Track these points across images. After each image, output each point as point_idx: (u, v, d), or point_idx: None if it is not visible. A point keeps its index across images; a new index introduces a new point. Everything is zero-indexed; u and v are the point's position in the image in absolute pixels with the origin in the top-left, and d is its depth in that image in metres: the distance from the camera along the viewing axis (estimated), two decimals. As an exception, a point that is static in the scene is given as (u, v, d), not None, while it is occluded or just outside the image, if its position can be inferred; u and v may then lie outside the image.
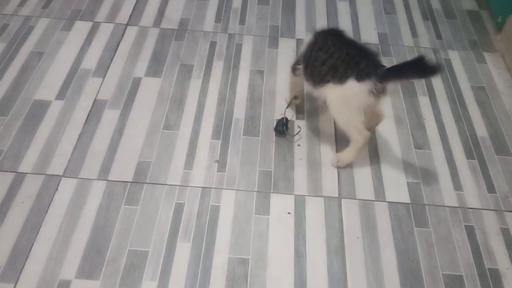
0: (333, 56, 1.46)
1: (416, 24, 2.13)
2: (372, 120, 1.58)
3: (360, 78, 1.42)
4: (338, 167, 1.58)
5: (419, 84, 1.86)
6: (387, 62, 1.93)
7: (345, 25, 2.10)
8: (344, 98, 1.46)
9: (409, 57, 1.97)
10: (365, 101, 1.45)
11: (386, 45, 2.02)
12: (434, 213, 1.48)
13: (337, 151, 1.62)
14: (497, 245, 1.42)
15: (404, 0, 2.25)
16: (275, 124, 1.67)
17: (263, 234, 1.41)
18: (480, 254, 1.40)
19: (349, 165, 1.59)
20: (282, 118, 1.67)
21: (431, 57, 1.97)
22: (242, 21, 2.10)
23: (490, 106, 1.80)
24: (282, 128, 1.64)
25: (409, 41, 2.05)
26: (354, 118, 1.49)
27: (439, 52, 2.00)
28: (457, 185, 1.56)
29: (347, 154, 1.57)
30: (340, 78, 1.44)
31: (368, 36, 2.06)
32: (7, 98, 1.73)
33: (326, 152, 1.62)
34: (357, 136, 1.52)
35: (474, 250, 1.41)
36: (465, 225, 1.46)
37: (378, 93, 1.43)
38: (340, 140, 1.64)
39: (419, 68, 1.39)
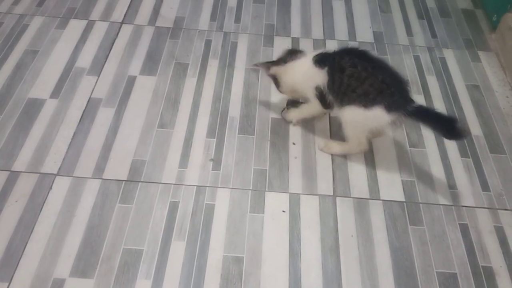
0: (365, 82, 1.41)
1: (411, 23, 2.14)
2: (375, 134, 1.59)
3: (389, 109, 1.40)
4: (320, 150, 1.61)
5: (414, 82, 1.86)
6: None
7: (340, 23, 2.10)
8: (365, 121, 1.46)
9: (404, 56, 1.97)
10: (384, 127, 1.48)
11: (381, 43, 2.03)
12: (428, 211, 1.49)
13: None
14: (491, 243, 1.42)
15: (399, -1, 2.26)
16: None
17: (257, 232, 1.41)
18: (474, 252, 1.40)
19: (344, 163, 1.59)
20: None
21: (425, 56, 1.98)
22: (237, 19, 2.09)
23: (485, 105, 1.80)
24: None
25: (404, 40, 2.05)
26: (362, 134, 1.52)
27: (434, 51, 2.01)
28: (452, 184, 1.56)
29: (337, 148, 1.59)
30: (368, 103, 1.42)
31: (364, 35, 2.06)
32: (0, 97, 1.72)
33: (320, 150, 1.62)
34: (355, 146, 1.56)
35: (468, 248, 1.41)
36: (459, 223, 1.47)
37: (400, 124, 1.45)
38: (335, 139, 1.64)
39: (448, 127, 1.40)
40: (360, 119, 1.46)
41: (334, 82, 1.45)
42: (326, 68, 1.47)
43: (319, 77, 1.49)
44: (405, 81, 1.47)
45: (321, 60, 1.50)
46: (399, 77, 1.46)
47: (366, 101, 1.42)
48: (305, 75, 1.53)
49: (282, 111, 1.71)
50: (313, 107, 1.58)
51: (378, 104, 1.41)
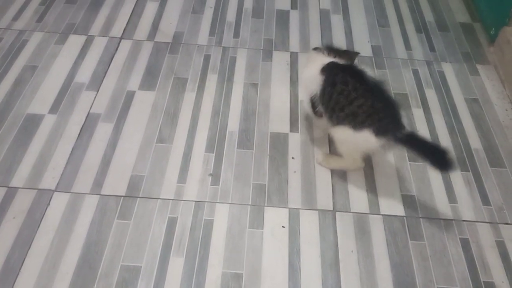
0: (354, 103, 1.40)
1: (409, 37, 2.14)
2: (367, 153, 1.58)
3: (378, 133, 1.40)
4: (319, 164, 1.61)
5: (412, 96, 1.86)
6: (381, 74, 1.94)
7: (338, 38, 2.11)
8: (354, 142, 1.46)
9: (403, 70, 1.97)
10: (373, 150, 1.48)
11: (380, 57, 2.03)
12: (429, 226, 1.48)
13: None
14: (492, 258, 1.41)
15: (398, 13, 2.27)
16: None
17: (257, 248, 1.40)
18: (476, 267, 1.39)
19: (343, 178, 1.58)
20: None
21: (424, 69, 1.98)
22: (236, 34, 2.10)
23: (484, 118, 1.80)
24: None
25: (403, 54, 2.06)
26: (355, 153, 1.53)
27: (432, 64, 2.01)
28: (452, 198, 1.55)
29: (335, 164, 1.59)
30: (356, 125, 1.41)
31: (362, 49, 2.06)
32: (0, 112, 1.72)
33: (318, 164, 1.62)
34: (350, 163, 1.56)
35: (469, 263, 1.40)
36: (460, 238, 1.45)
37: (389, 148, 1.46)
38: (335, 153, 1.63)
39: (438, 158, 1.40)
40: (349, 139, 1.46)
41: (324, 94, 1.46)
42: (323, 78, 1.47)
43: (317, 83, 1.49)
44: (397, 106, 1.45)
45: (326, 68, 1.49)
46: (391, 102, 1.45)
47: (355, 122, 1.41)
48: (311, 76, 1.53)
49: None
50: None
51: (366, 127, 1.40)
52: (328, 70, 1.49)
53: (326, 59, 1.53)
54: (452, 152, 1.65)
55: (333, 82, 1.44)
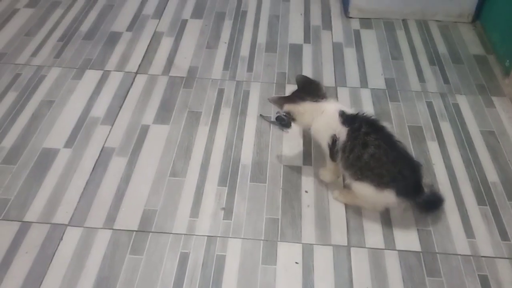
0: (383, 167, 1.41)
1: (423, 69, 2.14)
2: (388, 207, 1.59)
3: (399, 194, 1.43)
4: (335, 199, 1.60)
5: (427, 129, 1.85)
6: (395, 107, 1.93)
7: (351, 71, 2.12)
8: (375, 198, 1.47)
9: (417, 102, 1.96)
10: (392, 206, 1.52)
11: (393, 90, 2.02)
12: (446, 262, 1.44)
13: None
14: (513, 296, 1.37)
15: (411, 45, 2.27)
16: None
17: (270, 285, 1.38)
18: (496, 306, 1.35)
19: (358, 212, 1.56)
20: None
21: (438, 102, 1.97)
22: (250, 68, 2.12)
23: (501, 151, 1.77)
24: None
25: (417, 86, 2.05)
26: (374, 205, 1.55)
27: (447, 96, 2.00)
28: (469, 233, 1.52)
29: (351, 199, 1.57)
30: (380, 184, 1.43)
31: (375, 81, 2.07)
32: (16, 147, 1.74)
33: (335, 199, 1.60)
34: (370, 208, 1.57)
35: (489, 301, 1.36)
36: (478, 275, 1.41)
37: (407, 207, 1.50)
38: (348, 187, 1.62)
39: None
40: (370, 195, 1.46)
41: (352, 151, 1.43)
42: (348, 129, 1.44)
43: (339, 130, 1.46)
44: (420, 169, 1.46)
45: (346, 119, 1.46)
46: (416, 166, 1.46)
47: (380, 182, 1.42)
48: (327, 124, 1.49)
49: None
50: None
51: (389, 188, 1.42)
52: (350, 120, 1.46)
53: (324, 102, 1.51)
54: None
55: (365, 143, 1.42)
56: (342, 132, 1.45)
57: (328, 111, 1.50)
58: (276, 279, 1.39)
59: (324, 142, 1.52)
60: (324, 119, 1.50)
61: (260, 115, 1.60)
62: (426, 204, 1.49)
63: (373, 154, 1.41)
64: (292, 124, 1.62)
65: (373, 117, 1.48)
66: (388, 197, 1.44)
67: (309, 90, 1.54)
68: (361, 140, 1.42)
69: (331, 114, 1.49)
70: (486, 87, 2.05)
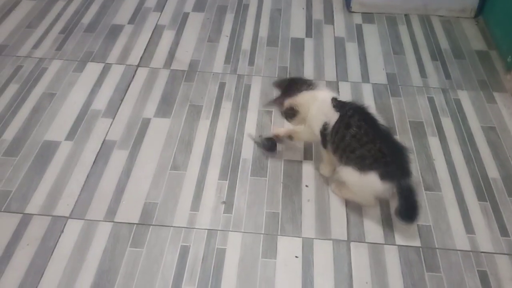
0: (364, 147, 1.40)
1: (425, 64, 2.14)
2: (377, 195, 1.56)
3: (383, 177, 1.40)
4: (332, 192, 1.60)
5: (428, 124, 1.85)
6: (397, 102, 1.93)
7: (353, 65, 2.11)
8: (360, 184, 1.46)
9: (418, 98, 1.96)
10: (379, 193, 1.47)
11: (395, 85, 2.02)
12: (445, 257, 1.45)
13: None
14: (512, 292, 1.37)
15: (413, 40, 2.27)
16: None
17: (269, 279, 1.38)
18: (495, 301, 1.35)
19: (358, 207, 1.56)
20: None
21: (439, 97, 1.97)
22: (251, 62, 2.12)
23: (501, 147, 1.77)
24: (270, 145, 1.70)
25: (418, 81, 2.05)
26: (363, 195, 1.53)
27: (448, 92, 2.00)
28: (469, 228, 1.52)
29: (347, 193, 1.57)
30: (363, 167, 1.42)
31: (377, 76, 2.06)
32: (17, 140, 1.74)
33: (332, 192, 1.60)
34: (362, 202, 1.56)
35: (488, 296, 1.37)
36: (477, 270, 1.42)
37: (393, 194, 1.44)
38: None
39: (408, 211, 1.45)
40: (356, 180, 1.45)
41: (338, 133, 1.45)
42: (338, 114, 1.47)
43: (330, 116, 1.48)
44: (407, 154, 1.44)
45: (338, 104, 1.49)
46: (401, 148, 1.44)
47: (363, 165, 1.41)
48: (321, 110, 1.52)
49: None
50: (309, 133, 1.58)
51: (373, 170, 1.40)
52: (341, 106, 1.49)
53: (322, 93, 1.54)
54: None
55: (348, 123, 1.44)
56: (333, 118, 1.47)
57: (322, 98, 1.53)
58: (276, 273, 1.40)
59: (317, 128, 1.53)
60: (319, 105, 1.53)
61: (249, 134, 1.63)
62: (403, 209, 1.44)
63: (355, 135, 1.42)
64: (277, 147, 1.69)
65: (363, 105, 1.50)
66: (372, 182, 1.41)
67: (298, 84, 1.58)
68: (345, 121, 1.44)
69: (325, 100, 1.52)
70: (487, 82, 2.05)
